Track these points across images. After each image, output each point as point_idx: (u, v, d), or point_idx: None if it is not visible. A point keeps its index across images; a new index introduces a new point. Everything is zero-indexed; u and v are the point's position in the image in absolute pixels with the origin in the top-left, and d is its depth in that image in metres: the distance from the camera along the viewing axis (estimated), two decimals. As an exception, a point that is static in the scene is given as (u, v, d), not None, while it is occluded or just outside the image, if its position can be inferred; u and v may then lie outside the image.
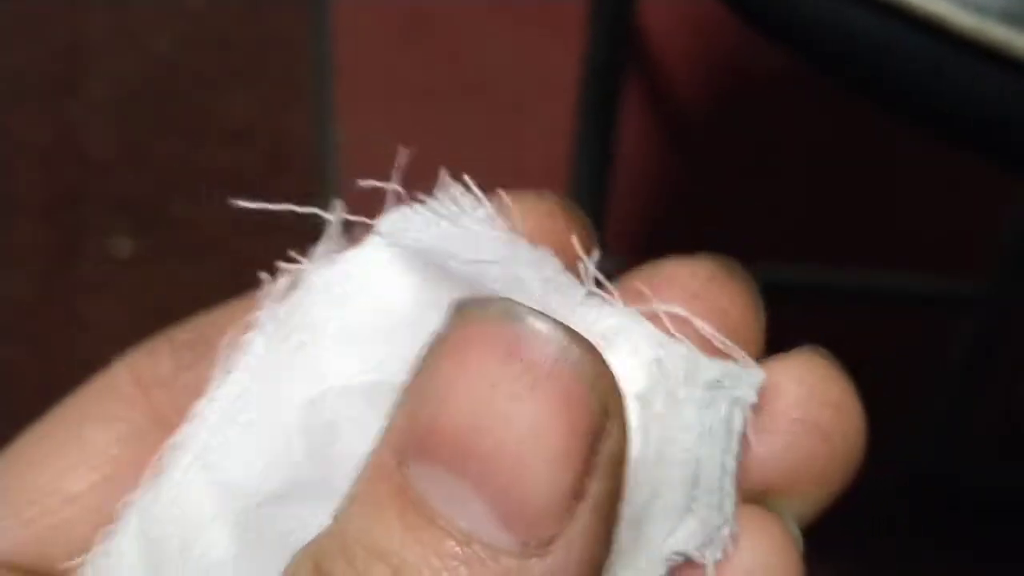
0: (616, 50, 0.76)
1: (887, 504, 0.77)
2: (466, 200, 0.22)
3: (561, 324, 0.18)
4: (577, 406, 0.17)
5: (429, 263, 0.22)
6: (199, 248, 0.89)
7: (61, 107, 0.94)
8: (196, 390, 0.22)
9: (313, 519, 0.20)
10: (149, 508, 0.21)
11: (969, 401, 0.86)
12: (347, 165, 0.92)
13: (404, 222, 0.22)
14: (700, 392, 0.21)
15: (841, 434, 0.22)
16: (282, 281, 0.22)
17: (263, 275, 0.22)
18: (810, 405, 0.21)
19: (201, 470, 0.21)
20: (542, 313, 0.18)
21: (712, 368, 0.21)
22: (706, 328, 0.21)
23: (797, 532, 0.22)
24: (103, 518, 0.22)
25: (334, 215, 0.23)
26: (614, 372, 0.18)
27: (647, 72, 0.93)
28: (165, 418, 0.23)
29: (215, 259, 0.88)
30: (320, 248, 0.23)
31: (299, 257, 0.23)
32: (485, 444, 0.17)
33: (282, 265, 0.22)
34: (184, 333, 0.24)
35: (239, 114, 0.93)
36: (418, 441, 0.18)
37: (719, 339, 0.21)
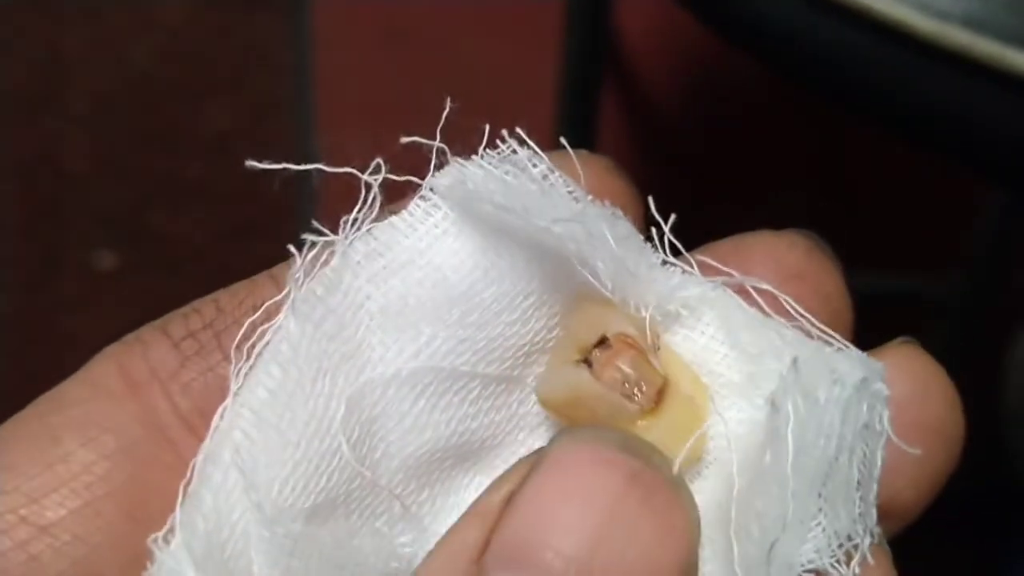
0: (593, 58, 0.77)
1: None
2: (523, 154, 0.19)
3: (671, 463, 0.18)
4: (685, 546, 0.17)
5: (487, 225, 0.19)
6: (180, 259, 0.89)
7: (39, 121, 0.94)
8: (205, 385, 0.19)
9: (360, 529, 0.20)
10: (193, 527, 0.18)
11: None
12: (327, 175, 0.92)
13: (460, 177, 0.19)
14: (849, 392, 0.18)
15: (955, 431, 0.20)
16: (311, 256, 0.19)
17: (290, 247, 0.19)
18: (925, 404, 0.20)
19: (237, 487, 0.19)
20: (657, 449, 0.18)
21: (851, 363, 0.18)
22: (812, 320, 0.19)
23: (888, 549, 0.20)
24: (85, 554, 0.19)
25: (374, 177, 0.20)
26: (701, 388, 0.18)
27: (625, 79, 0.94)
28: (163, 422, 0.19)
29: (196, 270, 0.88)
30: (355, 215, 0.20)
31: (323, 229, 0.19)
32: (599, 563, 0.17)
33: (311, 237, 0.19)
34: (183, 321, 0.20)
35: (218, 126, 0.93)
36: (516, 553, 0.17)
37: (824, 329, 0.19)
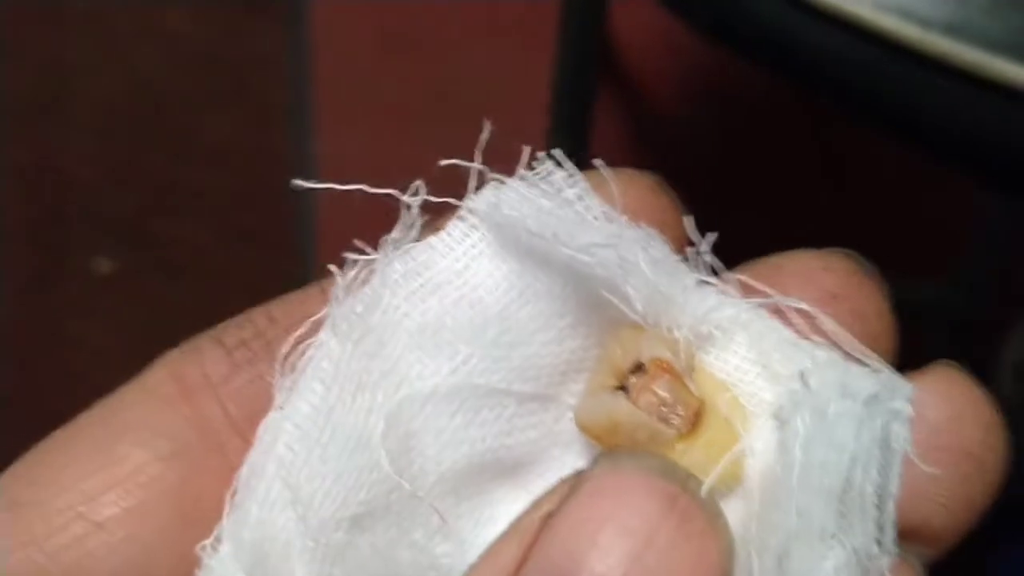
0: (588, 62, 0.77)
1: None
2: (559, 176, 0.20)
3: (711, 494, 0.18)
4: (717, 569, 0.17)
5: (523, 247, 0.20)
6: (182, 266, 0.89)
7: (42, 127, 0.94)
8: (254, 392, 0.20)
9: (399, 540, 0.20)
10: (238, 537, 0.19)
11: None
12: (327, 182, 0.92)
13: (495, 199, 0.20)
14: (859, 408, 0.18)
15: (993, 459, 0.20)
16: (351, 274, 0.20)
17: (331, 268, 0.20)
18: (961, 428, 0.19)
19: (280, 499, 0.19)
20: (694, 475, 0.18)
21: (865, 379, 0.18)
22: (847, 336, 0.19)
23: (921, 573, 0.20)
24: (138, 552, 0.20)
25: (413, 198, 0.20)
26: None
27: (619, 84, 0.94)
28: (213, 428, 0.20)
29: (198, 276, 0.88)
30: (395, 235, 0.20)
31: (366, 248, 0.20)
32: None
33: (351, 256, 0.20)
34: (237, 330, 0.21)
35: (220, 132, 0.94)
36: (552, 572, 0.17)
37: (861, 350, 0.19)
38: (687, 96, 0.95)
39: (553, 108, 0.79)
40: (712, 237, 0.20)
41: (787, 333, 0.19)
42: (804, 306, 0.19)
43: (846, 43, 0.41)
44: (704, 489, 0.18)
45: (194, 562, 0.19)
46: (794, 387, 0.18)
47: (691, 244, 0.20)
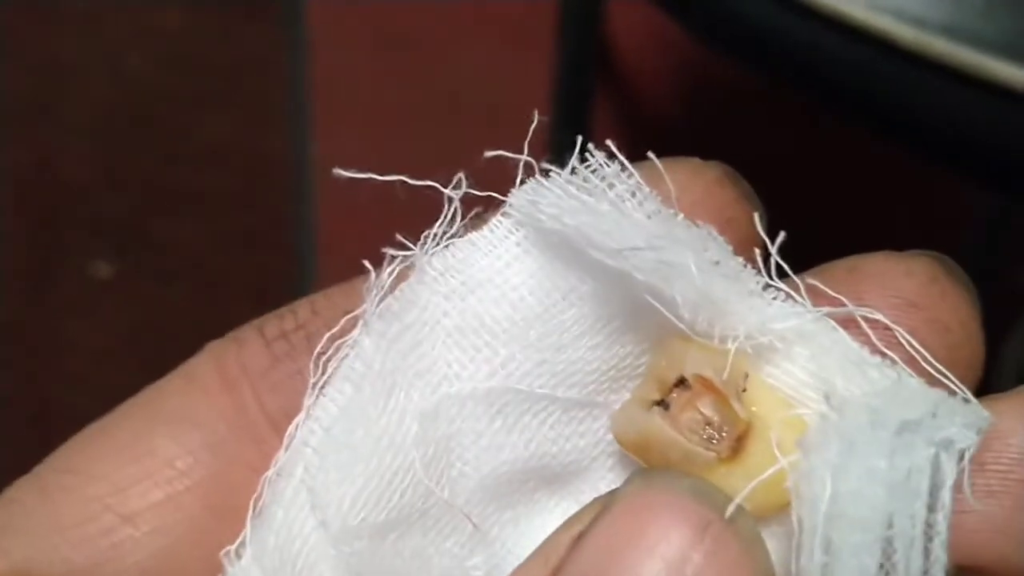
0: (586, 63, 0.77)
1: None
2: (610, 170, 0.19)
3: (749, 515, 0.17)
4: None
5: (565, 246, 0.19)
6: (179, 268, 0.89)
7: (36, 130, 0.94)
8: (292, 386, 0.19)
9: (430, 548, 0.19)
10: (263, 542, 0.19)
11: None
12: (324, 182, 0.92)
13: (537, 197, 0.19)
14: (891, 436, 0.16)
15: None
16: (389, 270, 0.19)
17: (366, 263, 0.19)
18: None
19: (307, 503, 0.19)
20: (731, 498, 0.17)
21: (914, 404, 0.17)
22: (923, 352, 0.17)
23: None
24: (165, 546, 0.19)
25: (454, 191, 0.19)
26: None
27: (617, 84, 0.95)
28: (250, 421, 0.20)
29: (194, 278, 0.88)
30: (435, 231, 0.19)
31: (408, 242, 0.19)
32: None
33: (390, 251, 0.19)
34: (278, 321, 0.20)
35: (215, 134, 0.94)
36: None
37: (936, 368, 0.17)
38: (684, 94, 0.95)
39: (552, 107, 0.79)
40: (783, 236, 0.18)
41: (854, 348, 0.18)
42: (878, 316, 0.18)
43: (839, 43, 0.41)
44: (732, 511, 0.17)
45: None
46: (823, 412, 0.17)
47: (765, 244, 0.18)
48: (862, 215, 0.93)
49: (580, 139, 0.18)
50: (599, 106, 0.85)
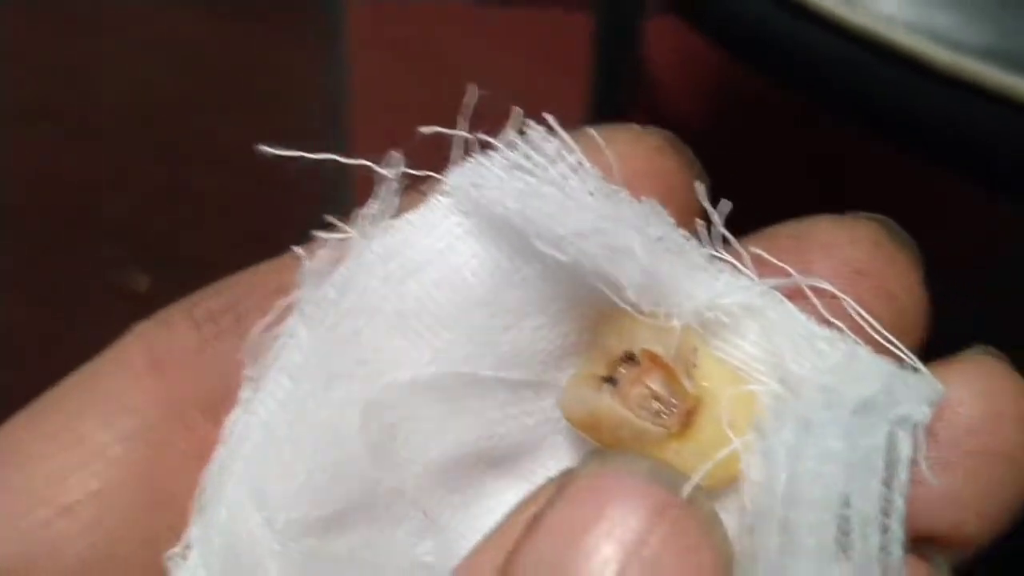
0: (621, 85, 0.77)
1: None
2: (550, 145, 0.18)
3: (706, 495, 0.16)
4: None
5: (508, 227, 0.18)
6: (199, 273, 0.89)
7: (56, 134, 0.95)
8: (222, 371, 0.19)
9: (380, 538, 0.19)
10: (208, 542, 0.18)
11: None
12: (358, 195, 0.92)
13: (477, 176, 0.18)
14: (847, 416, 0.16)
15: None
16: (322, 253, 0.18)
17: (296, 249, 0.18)
18: (997, 427, 0.17)
19: (250, 500, 0.18)
20: (688, 478, 0.16)
21: (868, 381, 0.17)
22: (873, 323, 0.17)
23: None
24: (102, 537, 0.19)
25: (390, 169, 0.19)
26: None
27: (652, 106, 0.94)
28: (181, 406, 0.19)
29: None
30: (369, 210, 0.19)
31: (340, 223, 0.18)
32: None
33: (321, 234, 0.18)
34: (207, 301, 0.20)
35: (235, 139, 0.94)
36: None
37: (890, 341, 0.17)
38: (718, 114, 0.95)
39: (588, 124, 0.79)
40: (727, 206, 0.18)
41: (803, 321, 0.18)
42: (825, 285, 0.18)
43: (873, 62, 0.40)
44: (691, 492, 0.16)
45: (161, 548, 0.18)
46: (778, 393, 0.17)
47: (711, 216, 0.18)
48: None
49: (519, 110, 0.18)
50: (634, 120, 0.84)
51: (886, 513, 0.17)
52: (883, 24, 0.39)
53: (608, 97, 0.77)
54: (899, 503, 0.17)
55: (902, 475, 0.17)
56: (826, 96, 0.43)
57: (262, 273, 0.20)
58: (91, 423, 0.19)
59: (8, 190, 0.94)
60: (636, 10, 0.73)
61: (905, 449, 0.17)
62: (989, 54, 0.39)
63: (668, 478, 0.16)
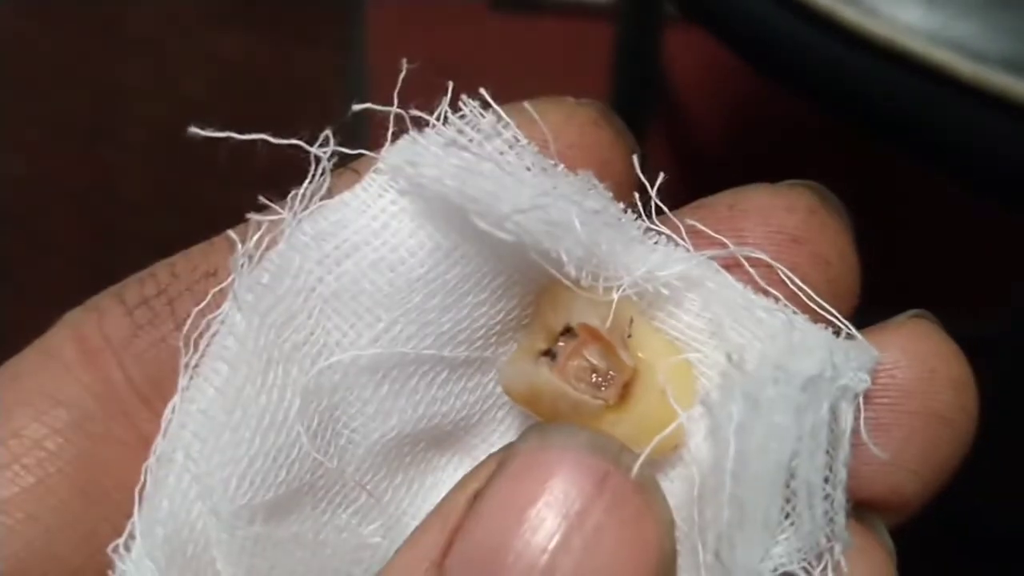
0: (642, 94, 0.77)
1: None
2: (486, 120, 0.18)
3: (646, 464, 0.17)
4: (652, 557, 0.17)
5: (447, 204, 0.18)
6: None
7: (97, 151, 0.96)
8: (158, 355, 0.18)
9: (325, 521, 0.19)
10: (152, 534, 0.18)
11: (990, 443, 0.86)
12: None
13: (412, 154, 0.18)
14: (795, 392, 0.17)
15: (965, 418, 0.18)
16: (256, 238, 0.18)
17: (230, 232, 0.18)
18: (931, 388, 0.18)
19: (192, 490, 0.18)
20: (631, 450, 0.17)
21: (811, 355, 0.17)
22: (808, 291, 0.18)
23: (892, 545, 0.19)
24: (39, 533, 0.18)
25: (322, 148, 0.18)
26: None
27: (672, 116, 0.94)
28: (117, 394, 0.19)
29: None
30: (303, 192, 0.18)
31: (273, 203, 0.18)
32: (560, 574, 0.16)
33: (253, 216, 0.18)
34: (138, 287, 0.19)
35: (271, 157, 0.94)
36: (478, 557, 0.16)
37: (827, 310, 0.18)
38: (739, 124, 0.95)
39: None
40: (661, 177, 0.18)
41: (740, 290, 0.18)
42: (761, 255, 0.18)
43: (896, 75, 0.40)
44: (637, 466, 0.16)
45: (101, 542, 0.18)
46: (725, 369, 0.17)
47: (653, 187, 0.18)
48: (920, 250, 0.91)
49: (450, 84, 0.17)
50: (653, 134, 0.84)
51: (830, 482, 0.17)
52: (904, 34, 0.39)
53: (628, 106, 0.77)
54: (842, 472, 0.17)
55: (845, 446, 0.17)
56: (846, 109, 0.43)
57: (193, 256, 0.19)
58: (24, 416, 0.18)
59: (61, 206, 0.95)
60: (656, 19, 0.74)
61: (847, 420, 0.17)
62: (1013, 65, 0.39)
63: (607, 448, 0.17)
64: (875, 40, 0.40)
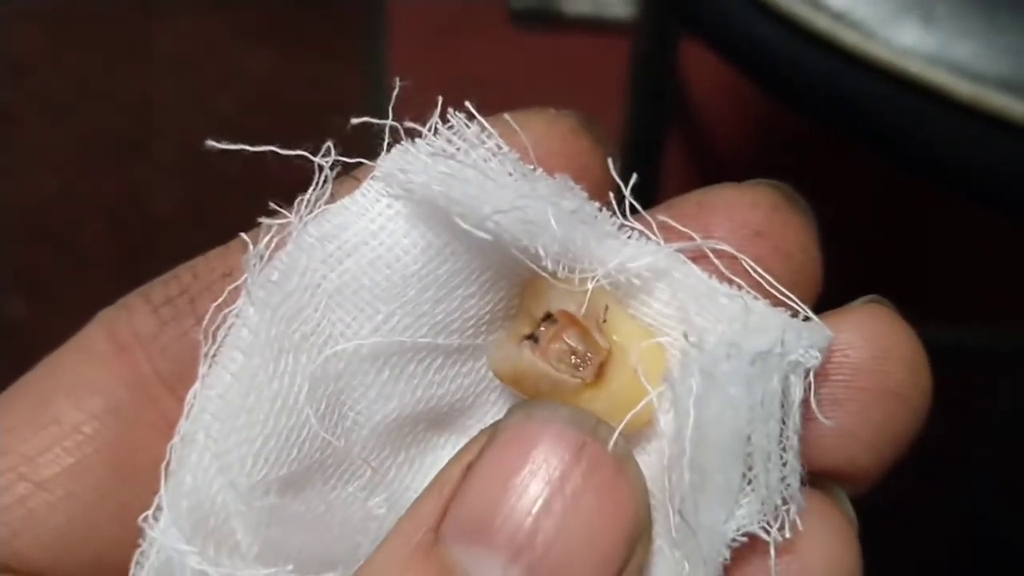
0: (658, 108, 0.78)
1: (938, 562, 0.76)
2: (471, 131, 0.20)
3: (620, 435, 0.18)
4: (628, 518, 0.18)
5: (435, 207, 0.20)
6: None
7: (129, 166, 0.97)
8: (181, 348, 0.20)
9: (334, 494, 0.21)
10: (177, 506, 0.20)
11: (1013, 457, 0.86)
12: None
13: (404, 162, 0.20)
14: (746, 366, 0.18)
15: (918, 395, 0.19)
16: (266, 240, 0.20)
17: (243, 235, 0.20)
18: (884, 367, 0.19)
19: (212, 466, 0.20)
20: (608, 424, 0.19)
21: (764, 333, 0.19)
22: (767, 277, 0.19)
23: (853, 513, 0.20)
24: (78, 508, 0.20)
25: (324, 159, 0.21)
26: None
27: (690, 128, 0.95)
28: (146, 384, 0.21)
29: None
30: (308, 198, 0.20)
31: (283, 210, 0.20)
32: (543, 534, 0.18)
33: (264, 221, 0.20)
34: (163, 288, 0.21)
35: (298, 173, 0.95)
36: (470, 522, 0.18)
37: (784, 294, 0.19)
38: (754, 140, 0.95)
39: (624, 150, 0.80)
40: (634, 179, 0.20)
41: (703, 279, 0.19)
42: (725, 247, 0.19)
43: (893, 94, 0.41)
44: (611, 442, 0.18)
45: (133, 515, 0.20)
46: (684, 347, 0.19)
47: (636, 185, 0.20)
48: (940, 264, 0.91)
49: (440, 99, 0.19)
50: (671, 150, 0.85)
51: (784, 449, 0.19)
52: (903, 56, 0.40)
53: (645, 119, 0.78)
54: (794, 439, 0.19)
55: (795, 416, 0.19)
56: (847, 128, 0.44)
57: (212, 259, 0.21)
58: (63, 404, 0.20)
59: (94, 222, 0.96)
60: (673, 34, 0.75)
61: (798, 392, 0.19)
62: (1010, 85, 0.39)
63: (585, 422, 0.19)
64: (875, 62, 0.41)
